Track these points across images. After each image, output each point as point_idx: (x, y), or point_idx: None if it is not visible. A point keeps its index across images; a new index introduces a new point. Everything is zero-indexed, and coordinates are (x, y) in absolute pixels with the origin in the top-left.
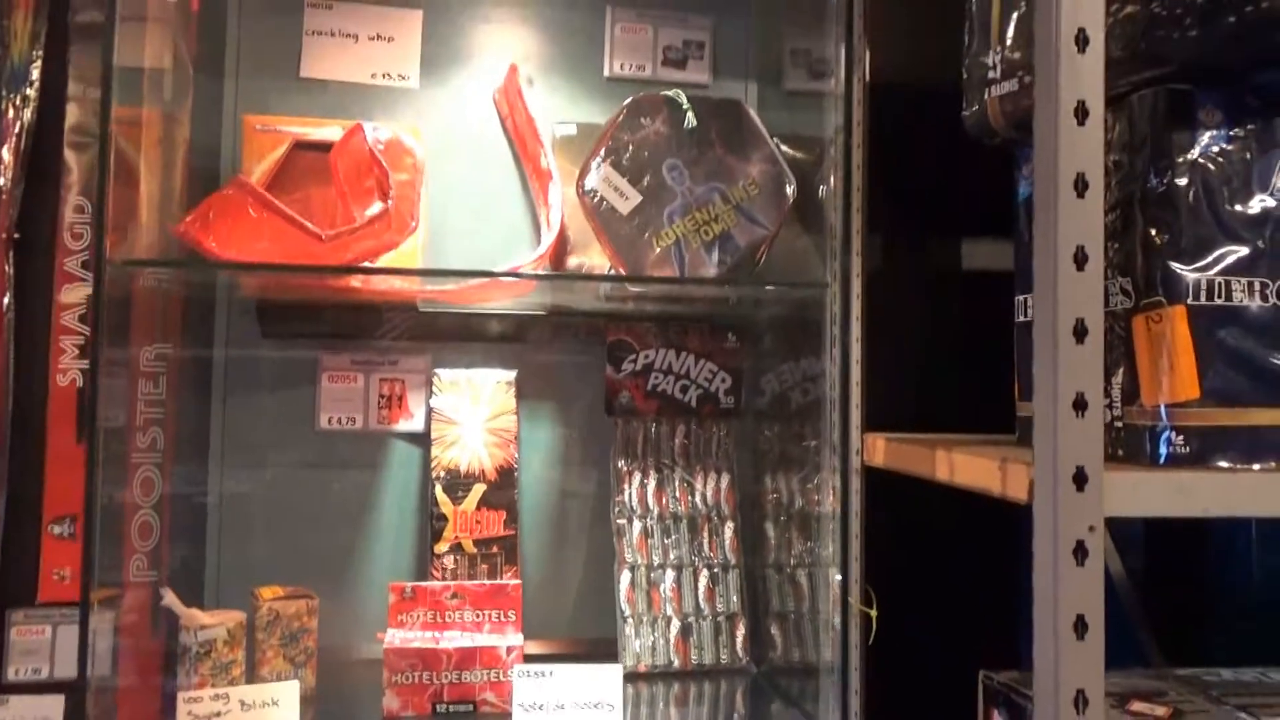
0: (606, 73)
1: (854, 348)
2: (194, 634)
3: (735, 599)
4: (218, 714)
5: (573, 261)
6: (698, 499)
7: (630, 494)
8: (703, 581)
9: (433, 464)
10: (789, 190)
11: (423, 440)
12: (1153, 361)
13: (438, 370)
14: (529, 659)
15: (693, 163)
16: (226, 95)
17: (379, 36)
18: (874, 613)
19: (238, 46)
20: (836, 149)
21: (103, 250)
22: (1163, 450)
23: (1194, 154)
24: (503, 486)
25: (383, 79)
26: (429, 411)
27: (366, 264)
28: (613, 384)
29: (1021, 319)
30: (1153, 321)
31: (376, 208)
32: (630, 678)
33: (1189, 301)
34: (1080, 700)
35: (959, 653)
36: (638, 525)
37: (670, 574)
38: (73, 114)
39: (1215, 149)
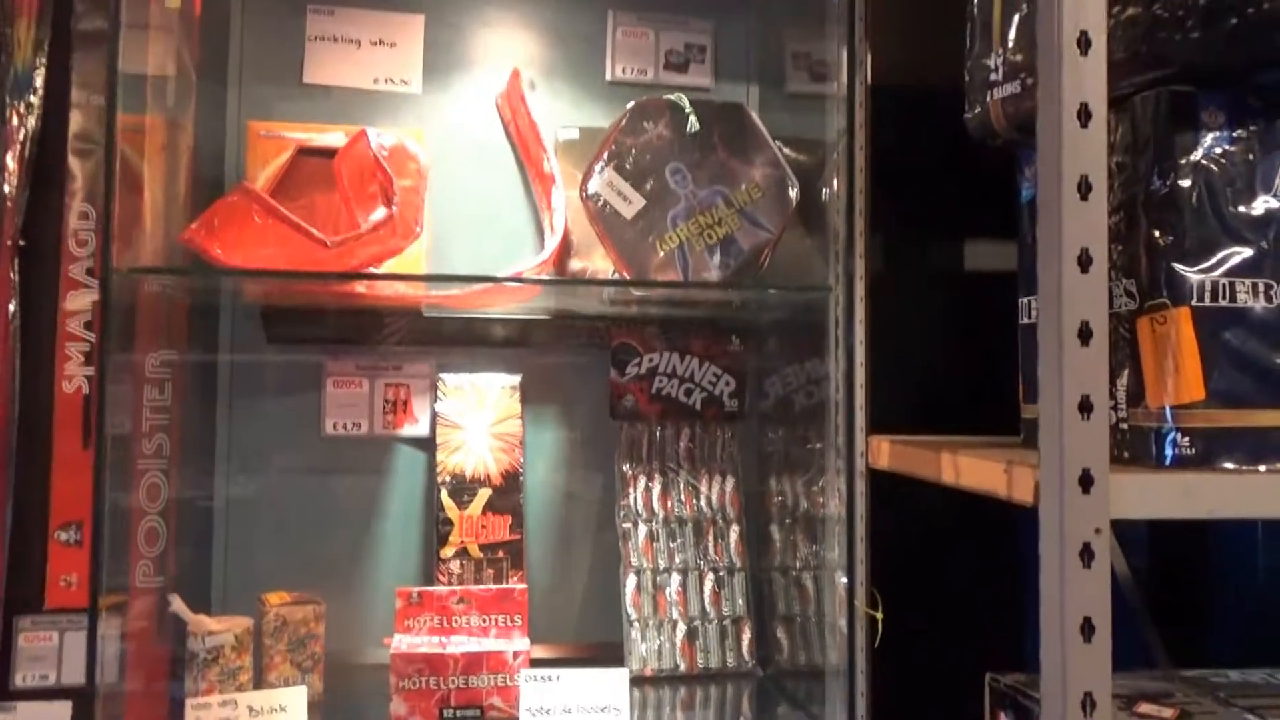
0: (608, 77)
1: (858, 350)
2: (201, 640)
3: (741, 602)
4: None
5: (576, 265)
6: (702, 502)
7: (635, 498)
8: (708, 585)
9: (438, 469)
10: (792, 193)
11: (428, 445)
12: (1158, 363)
13: (442, 375)
14: (535, 663)
15: (696, 166)
16: (230, 101)
17: (381, 42)
18: (880, 615)
19: (241, 53)
20: (839, 151)
21: (109, 258)
22: (1168, 452)
23: (1197, 155)
24: (508, 491)
25: (385, 84)
26: (434, 416)
27: (371, 270)
28: (617, 388)
29: (1025, 321)
30: (1157, 323)
31: (381, 213)
32: (636, 681)
33: (1193, 303)
34: (1087, 702)
35: (965, 655)
36: (643, 529)
37: (676, 577)
38: (76, 121)
39: (1218, 150)
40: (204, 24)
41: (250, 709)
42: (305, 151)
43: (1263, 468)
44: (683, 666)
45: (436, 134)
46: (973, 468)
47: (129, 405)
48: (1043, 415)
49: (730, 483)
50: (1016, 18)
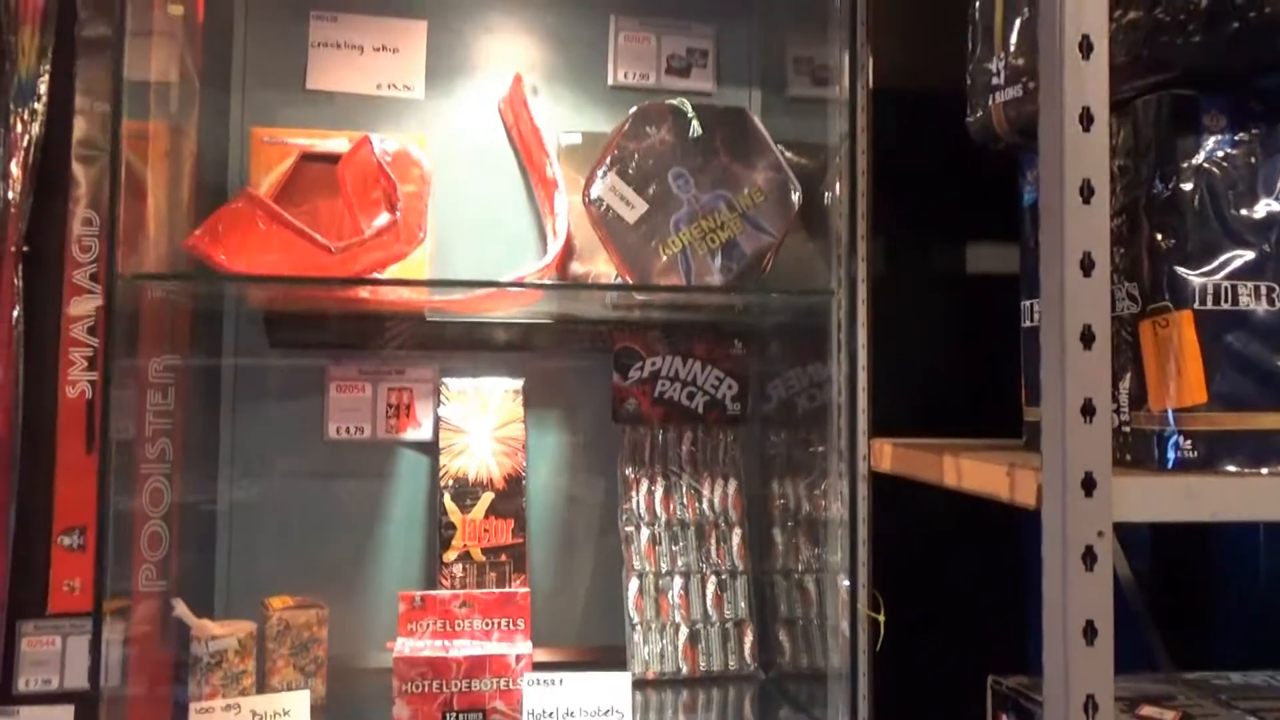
0: (610, 81)
1: (860, 353)
2: (205, 644)
3: (743, 605)
4: None
5: (579, 269)
6: (705, 505)
7: (638, 501)
8: (711, 588)
9: (441, 473)
10: (794, 197)
11: (431, 449)
12: (1160, 366)
13: (445, 379)
14: (538, 667)
15: (698, 171)
16: (233, 108)
17: (384, 48)
18: (882, 618)
19: (244, 59)
20: (841, 155)
21: (114, 264)
22: (1171, 455)
23: (1199, 159)
24: (511, 495)
25: (388, 90)
26: (437, 420)
27: (375, 275)
28: (619, 391)
29: (1028, 324)
30: (1159, 326)
31: (384, 219)
32: (639, 685)
33: (1195, 306)
34: (1090, 705)
35: (967, 657)
36: (645, 532)
37: (678, 581)
38: (80, 127)
39: (1220, 154)
40: (207, 30)
41: (254, 713)
42: (308, 157)
43: (1265, 470)
44: (685, 669)
45: (439, 139)
46: (975, 470)
47: (132, 410)
48: (1045, 418)
49: (732, 486)
50: (1018, 22)
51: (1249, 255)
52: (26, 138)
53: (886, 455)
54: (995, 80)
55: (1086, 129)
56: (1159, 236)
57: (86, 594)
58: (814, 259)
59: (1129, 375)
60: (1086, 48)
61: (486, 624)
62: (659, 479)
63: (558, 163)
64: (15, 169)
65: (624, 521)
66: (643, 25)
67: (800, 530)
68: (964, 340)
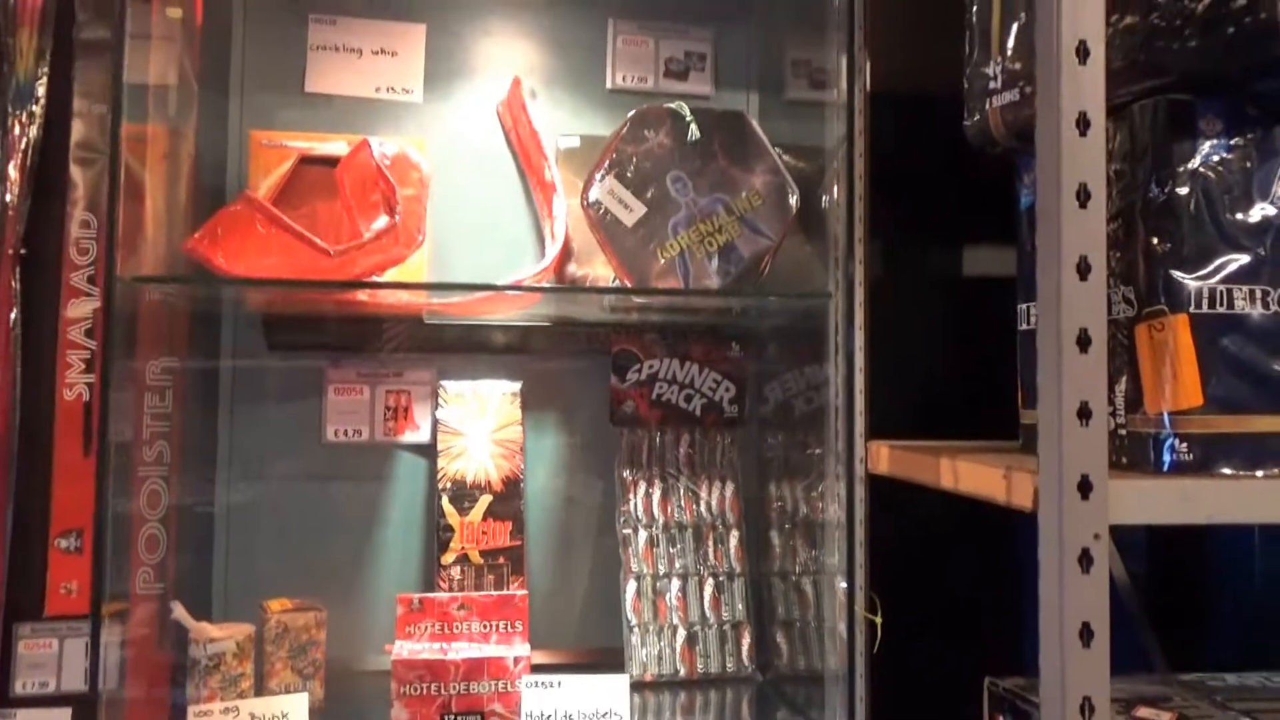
0: (609, 85)
1: (857, 356)
2: (203, 647)
3: (741, 607)
4: None
5: (577, 272)
6: (702, 508)
7: (635, 503)
8: (708, 590)
9: (439, 475)
10: (792, 201)
11: (429, 452)
12: (1156, 369)
13: (443, 382)
14: (536, 669)
15: (696, 174)
16: (232, 111)
17: (383, 51)
18: (879, 620)
19: (242, 62)
20: (839, 158)
21: (113, 266)
22: (1166, 458)
23: (1195, 163)
24: (509, 497)
25: (387, 93)
26: (435, 423)
27: (374, 278)
28: (617, 394)
29: (1024, 327)
30: (1155, 330)
31: (383, 222)
32: (637, 687)
33: (1191, 310)
34: (1086, 707)
35: (964, 659)
36: (643, 534)
37: (676, 583)
38: (78, 130)
39: (1216, 158)
40: (206, 33)
41: (252, 715)
42: (307, 160)
43: (1260, 473)
44: (683, 671)
45: (438, 142)
46: (972, 473)
47: (130, 412)
48: (1042, 422)
49: (730, 488)
50: (1015, 26)
51: (1244, 259)
52: (24, 140)
53: (883, 457)
54: (992, 84)
55: (1083, 133)
56: (1155, 240)
57: (84, 596)
58: (811, 262)
59: (1125, 378)
60: (1083, 53)
61: (485, 626)
62: (657, 481)
63: (556, 166)
64: (13, 171)
65: (622, 524)
66: (641, 29)
67: (798, 532)
68: (961, 343)
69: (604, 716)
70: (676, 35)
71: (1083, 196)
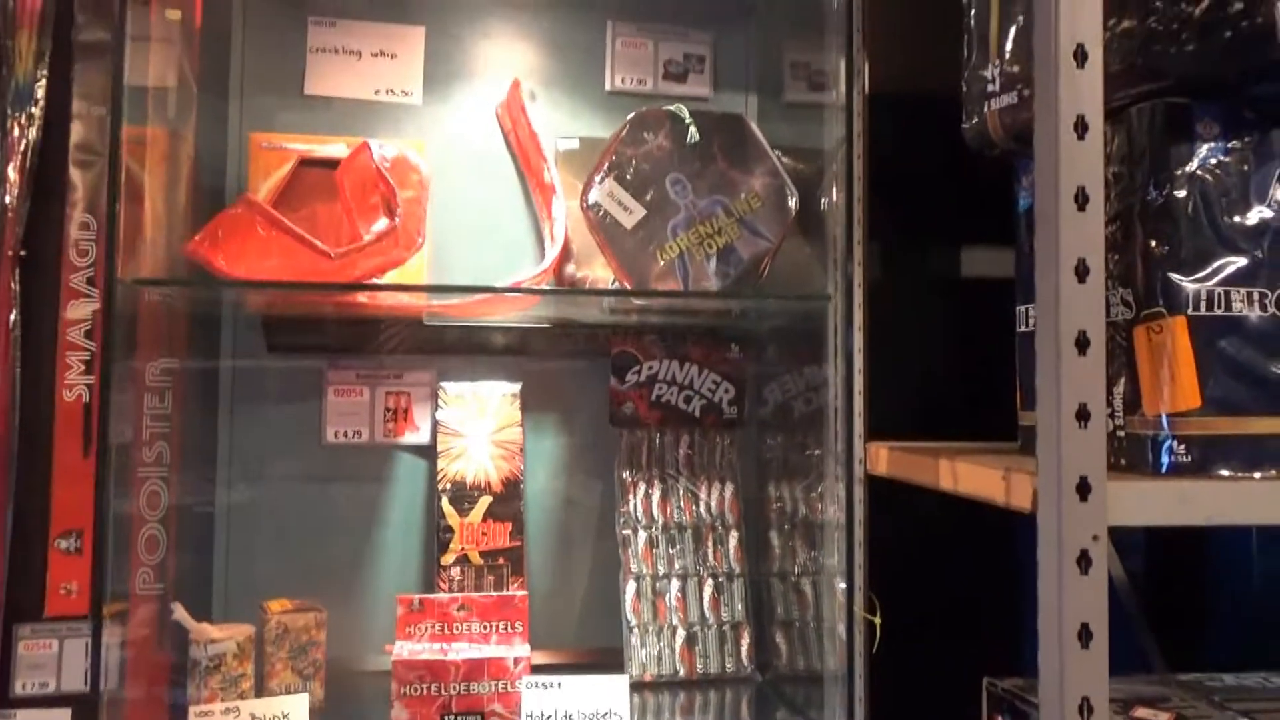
0: (608, 87)
1: (856, 357)
2: (204, 648)
3: (740, 608)
4: None
5: (577, 274)
6: (702, 509)
7: (635, 504)
8: (708, 591)
9: (439, 476)
10: (791, 203)
11: (429, 453)
12: (1154, 371)
13: (443, 383)
14: (536, 669)
15: (695, 176)
16: (231, 113)
17: (382, 53)
18: (878, 621)
19: (242, 64)
20: (838, 160)
21: (113, 269)
22: (1165, 459)
23: (1192, 166)
24: (508, 498)
25: (386, 95)
26: (434, 424)
27: (374, 280)
28: (617, 395)
29: (1023, 329)
30: (1153, 332)
31: (383, 224)
32: (636, 687)
33: (1189, 312)
34: (1085, 707)
35: (963, 660)
36: (643, 535)
37: (675, 584)
38: (77, 131)
39: (1213, 161)
40: (205, 36)
41: (253, 716)
42: (307, 163)
43: (1258, 475)
44: (682, 672)
45: (437, 144)
46: (971, 474)
47: (130, 413)
48: (1040, 424)
49: (729, 489)
50: (1013, 29)
51: (1242, 262)
52: (24, 142)
53: (882, 459)
54: (990, 87)
55: (1081, 137)
56: (1153, 243)
57: (83, 597)
58: (810, 263)
59: (1123, 380)
60: (1081, 56)
61: (485, 627)
62: (656, 482)
63: (555, 168)
64: (12, 173)
65: (621, 524)
66: (640, 31)
67: (797, 533)
68: (960, 344)
69: (604, 717)
70: (675, 37)
71: (1081, 199)
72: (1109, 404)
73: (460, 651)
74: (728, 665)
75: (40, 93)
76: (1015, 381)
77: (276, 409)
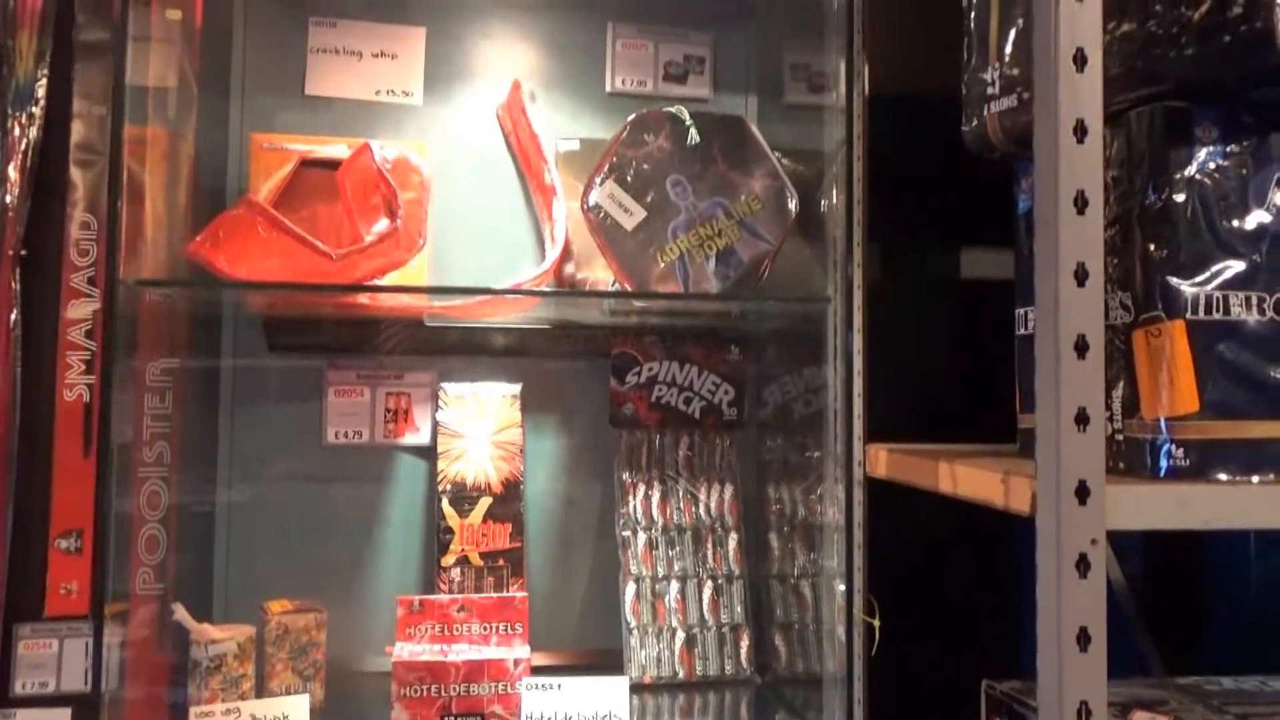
0: (608, 88)
1: (856, 359)
2: (204, 648)
3: (739, 610)
4: None
5: (577, 275)
6: (701, 510)
7: (635, 506)
8: (707, 592)
9: (439, 477)
10: (791, 205)
11: (429, 454)
12: (1152, 375)
13: (443, 384)
14: (536, 671)
15: (696, 178)
16: (232, 113)
17: (383, 54)
18: (877, 623)
19: (243, 65)
20: (838, 162)
21: (114, 270)
22: (1163, 463)
23: (1191, 170)
24: (508, 499)
25: (387, 96)
26: (435, 425)
27: (375, 282)
28: (617, 396)
29: (1022, 332)
30: (1152, 335)
31: (384, 225)
32: (635, 689)
33: (1188, 316)
34: (1083, 711)
35: (962, 662)
36: (642, 537)
37: (675, 585)
38: (78, 131)
39: (1212, 165)
40: (205, 36)
41: (253, 717)
42: (308, 163)
43: (1256, 479)
44: (681, 674)
45: (438, 145)
46: (970, 477)
47: (130, 413)
48: (1040, 427)
49: (729, 491)
50: (1013, 32)
51: (1240, 266)
52: (24, 141)
53: (882, 461)
54: (990, 90)
55: (1081, 141)
56: (1152, 247)
57: (83, 597)
58: (810, 265)
59: (1122, 384)
60: (1081, 60)
61: (485, 628)
62: (656, 484)
63: (556, 169)
64: (13, 172)
65: (621, 526)
66: (640, 32)
67: (796, 535)
68: (959, 346)
69: (603, 718)
70: (676, 39)
71: (1080, 203)
72: (1107, 407)
73: (460, 653)
74: (727, 667)
75: (41, 92)
76: (1014, 383)
77: (277, 409)
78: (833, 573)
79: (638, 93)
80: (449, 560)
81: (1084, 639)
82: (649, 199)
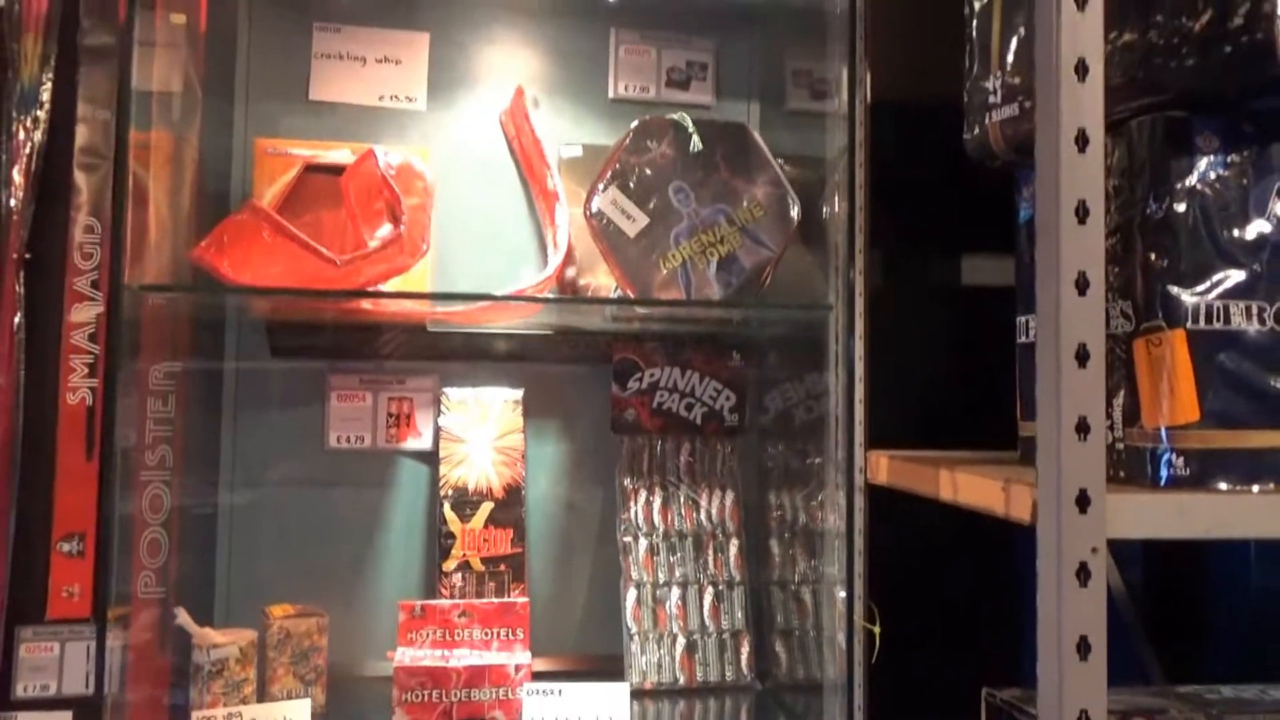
0: (611, 94)
1: (857, 365)
2: (206, 652)
3: (740, 616)
4: None
5: (579, 281)
6: (703, 516)
7: (636, 511)
8: (708, 598)
9: (441, 482)
10: (794, 212)
11: (431, 459)
12: (1153, 384)
13: (445, 389)
14: (536, 676)
15: (698, 185)
16: (237, 118)
17: (386, 59)
18: (878, 630)
19: (247, 70)
20: (840, 169)
21: (119, 274)
22: (1163, 472)
23: (1192, 180)
24: (510, 504)
25: (390, 101)
26: (437, 430)
27: (378, 287)
28: (618, 402)
29: (1023, 340)
30: (1153, 345)
31: (388, 231)
32: (636, 695)
33: (1188, 325)
34: (1083, 719)
35: (962, 670)
36: (643, 542)
37: (676, 591)
38: (82, 135)
39: (1213, 175)
40: (210, 41)
41: None
42: (312, 168)
43: (1256, 488)
44: (682, 680)
45: (441, 151)
46: (971, 485)
47: (133, 417)
48: (1040, 436)
49: (730, 497)
50: (1014, 41)
51: (1240, 275)
52: (29, 145)
53: (883, 468)
54: (992, 99)
55: (1082, 150)
56: (1153, 256)
57: (85, 600)
58: (812, 272)
59: (1123, 393)
60: (1082, 70)
61: (486, 633)
62: (657, 489)
63: (558, 175)
64: (18, 176)
65: (622, 532)
66: (643, 38)
67: (797, 542)
68: (961, 352)
69: None
70: (678, 45)
71: (1081, 213)
72: (1108, 416)
73: (461, 658)
74: (727, 673)
75: (46, 96)
76: (1015, 391)
77: (279, 413)
78: (833, 579)
79: (640, 99)
80: (450, 565)
81: (1084, 647)
82: (651, 205)
